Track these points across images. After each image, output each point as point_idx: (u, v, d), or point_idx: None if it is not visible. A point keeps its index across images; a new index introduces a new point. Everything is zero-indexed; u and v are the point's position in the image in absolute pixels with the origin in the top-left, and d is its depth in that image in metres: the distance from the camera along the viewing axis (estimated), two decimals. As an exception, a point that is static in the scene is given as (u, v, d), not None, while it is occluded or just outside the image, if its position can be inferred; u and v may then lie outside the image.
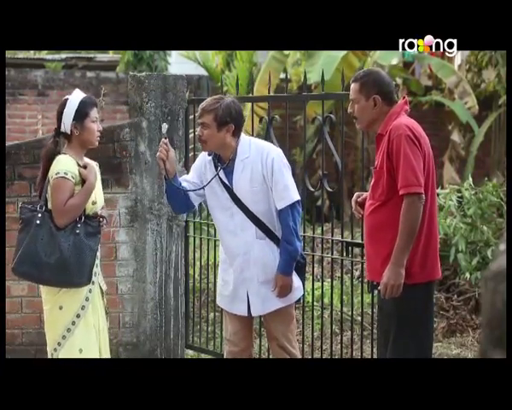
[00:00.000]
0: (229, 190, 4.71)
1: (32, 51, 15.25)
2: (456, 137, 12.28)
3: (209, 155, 4.78)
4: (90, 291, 4.60)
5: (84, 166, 4.61)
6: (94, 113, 4.65)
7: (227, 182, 4.71)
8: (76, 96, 4.65)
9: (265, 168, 4.65)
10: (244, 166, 4.68)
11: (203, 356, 6.43)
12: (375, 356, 5.22)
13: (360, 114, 4.46)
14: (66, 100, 4.64)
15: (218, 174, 4.70)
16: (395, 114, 4.39)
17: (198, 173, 4.82)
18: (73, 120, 4.58)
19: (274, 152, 4.72)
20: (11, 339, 6.20)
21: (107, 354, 4.74)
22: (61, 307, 4.57)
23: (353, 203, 4.65)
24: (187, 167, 6.43)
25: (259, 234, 4.71)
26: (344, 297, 6.01)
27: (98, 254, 4.70)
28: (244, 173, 4.67)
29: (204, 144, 4.68)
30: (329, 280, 5.75)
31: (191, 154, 6.69)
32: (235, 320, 4.87)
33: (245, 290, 4.75)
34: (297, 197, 4.68)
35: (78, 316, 4.56)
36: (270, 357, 5.17)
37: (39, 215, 4.54)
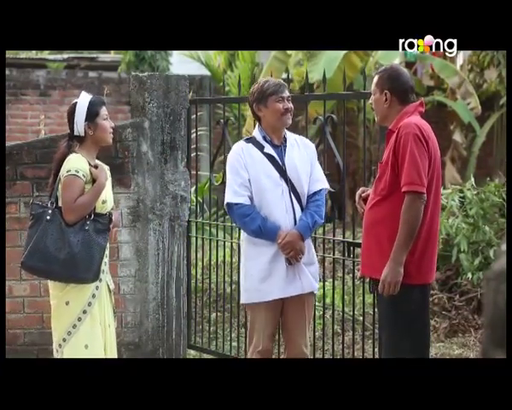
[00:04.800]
0: (279, 168, 4.87)
1: (34, 51, 15.26)
2: (458, 137, 12.29)
3: (247, 141, 4.95)
4: (96, 288, 4.64)
5: (95, 166, 4.66)
6: (104, 111, 4.74)
7: (278, 159, 4.88)
8: (84, 98, 4.72)
9: (311, 152, 5.00)
10: (294, 147, 4.96)
11: (205, 356, 6.43)
12: (376, 356, 5.22)
13: (375, 107, 4.55)
14: (75, 103, 4.70)
15: (267, 153, 4.87)
16: (408, 113, 4.41)
17: (242, 167, 4.87)
18: (86, 120, 4.64)
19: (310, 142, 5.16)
20: (13, 339, 6.20)
21: (113, 353, 4.76)
22: (67, 303, 4.60)
23: (357, 197, 4.68)
24: (189, 168, 6.43)
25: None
26: (346, 297, 6.01)
27: (107, 252, 4.74)
28: (295, 153, 4.93)
29: (291, 116, 4.94)
30: (331, 280, 5.75)
31: (193, 154, 6.70)
32: (275, 315, 4.89)
33: (294, 270, 4.84)
34: None
35: (84, 312, 4.59)
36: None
37: (49, 211, 4.60)
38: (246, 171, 4.84)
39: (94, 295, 4.63)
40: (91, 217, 4.62)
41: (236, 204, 4.83)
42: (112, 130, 4.77)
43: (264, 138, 4.91)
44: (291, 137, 4.99)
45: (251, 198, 4.84)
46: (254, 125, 6.04)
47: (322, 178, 4.98)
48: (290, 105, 4.88)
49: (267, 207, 4.82)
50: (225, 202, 4.90)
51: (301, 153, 4.94)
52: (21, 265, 4.72)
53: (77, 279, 4.57)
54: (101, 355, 4.63)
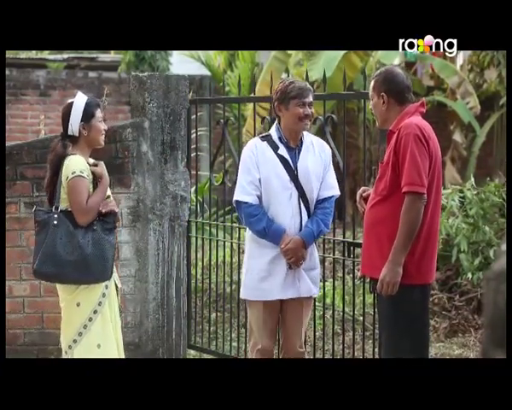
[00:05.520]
0: (290, 171, 4.85)
1: (34, 51, 15.26)
2: (458, 137, 12.29)
3: (263, 139, 4.93)
4: (106, 287, 4.64)
5: (95, 165, 4.67)
6: (99, 113, 4.74)
7: (291, 162, 4.86)
8: (81, 99, 4.72)
9: (326, 156, 4.96)
10: (309, 150, 4.92)
11: (205, 356, 6.43)
12: (376, 356, 5.22)
13: (374, 112, 4.55)
14: (71, 103, 4.70)
15: (280, 154, 4.86)
16: (409, 113, 4.41)
17: (253, 165, 4.87)
18: (81, 121, 4.64)
19: (327, 145, 5.10)
20: (13, 339, 6.20)
21: (122, 351, 4.77)
22: (78, 304, 4.60)
23: (358, 197, 4.68)
24: (189, 168, 6.43)
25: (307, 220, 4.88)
26: (346, 297, 6.00)
27: None
28: (310, 156, 4.90)
29: (310, 121, 4.95)
30: (331, 280, 5.75)
31: (193, 154, 6.70)
32: (274, 315, 4.91)
33: (293, 274, 4.86)
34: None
35: (95, 312, 4.59)
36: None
37: (55, 216, 4.59)
38: (257, 170, 4.85)
39: (104, 295, 4.63)
40: (97, 217, 4.62)
41: (245, 203, 4.85)
42: (104, 132, 4.76)
43: (280, 139, 4.90)
44: (308, 138, 4.97)
45: (260, 197, 4.85)
46: (254, 126, 6.07)
47: (334, 184, 4.96)
48: (310, 111, 4.86)
49: (274, 209, 4.84)
50: (234, 199, 4.93)
51: (316, 156, 4.92)
52: (34, 273, 4.70)
53: (92, 280, 4.58)
54: (114, 354, 4.64)
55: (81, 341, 4.59)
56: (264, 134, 5.06)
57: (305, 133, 4.96)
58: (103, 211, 4.64)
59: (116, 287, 4.79)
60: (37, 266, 4.61)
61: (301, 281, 4.87)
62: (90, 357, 4.54)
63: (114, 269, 4.77)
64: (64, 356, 4.68)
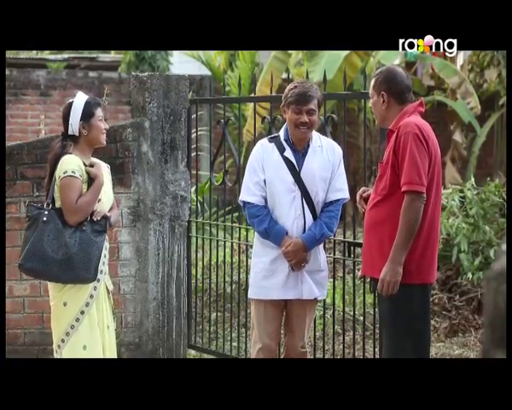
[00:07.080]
0: (294, 174, 4.83)
1: (34, 51, 15.26)
2: (458, 137, 12.30)
3: (271, 140, 4.92)
4: (94, 288, 4.63)
5: (91, 165, 4.66)
6: (99, 112, 4.73)
7: (296, 164, 4.84)
8: (80, 98, 4.72)
9: (335, 158, 4.91)
10: (316, 152, 4.88)
11: (205, 356, 6.43)
12: (377, 356, 5.22)
13: (374, 110, 4.55)
14: (71, 103, 4.70)
15: (286, 157, 4.84)
16: (408, 113, 4.41)
17: (259, 166, 4.88)
18: (81, 120, 4.64)
19: (339, 147, 5.02)
20: (13, 339, 6.21)
21: (112, 354, 4.76)
22: (65, 304, 4.60)
23: (358, 197, 4.68)
24: (189, 168, 6.43)
25: (312, 222, 4.86)
26: (346, 297, 5.99)
27: (106, 252, 4.74)
28: (316, 158, 4.87)
29: (309, 129, 4.82)
30: (331, 280, 5.76)
31: (193, 154, 6.70)
32: (276, 315, 4.92)
33: (297, 275, 4.85)
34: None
35: (82, 313, 4.59)
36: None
37: (46, 213, 4.60)
38: (262, 171, 4.85)
39: (92, 296, 4.62)
40: (87, 218, 4.62)
41: (249, 203, 4.88)
42: (105, 131, 4.76)
43: (287, 141, 4.88)
44: (317, 141, 4.92)
45: (265, 198, 4.86)
46: (254, 126, 6.07)
47: (342, 187, 4.92)
48: (307, 119, 4.76)
49: (278, 210, 4.85)
50: (239, 199, 4.96)
51: (323, 159, 4.88)
52: (19, 267, 4.71)
53: (76, 280, 4.57)
54: (99, 356, 4.62)
55: (69, 341, 4.60)
56: (273, 135, 5.07)
57: (314, 135, 4.93)
58: (95, 219, 4.63)
59: (107, 290, 4.77)
60: (23, 260, 4.62)
61: (304, 283, 4.86)
62: (76, 358, 4.53)
63: (106, 271, 4.75)
64: (55, 356, 4.68)
